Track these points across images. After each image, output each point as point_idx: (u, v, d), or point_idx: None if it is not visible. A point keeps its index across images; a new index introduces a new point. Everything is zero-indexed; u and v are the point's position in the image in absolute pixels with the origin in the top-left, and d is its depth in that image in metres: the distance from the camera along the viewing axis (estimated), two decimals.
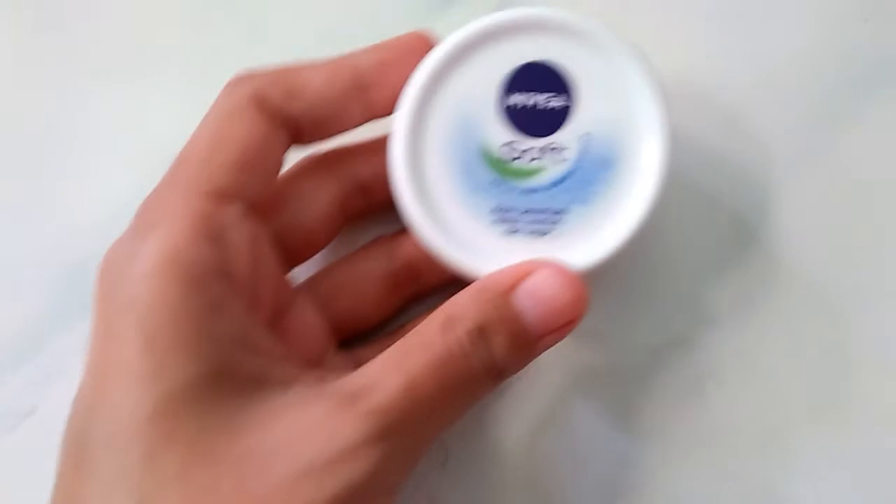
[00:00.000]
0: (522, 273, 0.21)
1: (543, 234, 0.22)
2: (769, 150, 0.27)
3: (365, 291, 0.24)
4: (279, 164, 0.22)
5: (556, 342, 0.21)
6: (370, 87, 0.22)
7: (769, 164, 0.27)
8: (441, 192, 0.22)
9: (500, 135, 0.22)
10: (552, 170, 0.22)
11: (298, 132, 0.22)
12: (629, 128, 0.22)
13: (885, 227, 0.27)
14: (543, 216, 0.22)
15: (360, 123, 0.23)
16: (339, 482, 0.17)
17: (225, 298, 0.19)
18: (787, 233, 0.27)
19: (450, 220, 0.22)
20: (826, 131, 0.27)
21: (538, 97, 0.22)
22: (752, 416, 0.26)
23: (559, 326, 0.21)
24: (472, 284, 0.21)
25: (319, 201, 0.23)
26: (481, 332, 0.20)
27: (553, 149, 0.22)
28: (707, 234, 0.27)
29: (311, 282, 0.25)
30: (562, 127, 0.22)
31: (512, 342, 0.20)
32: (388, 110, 0.22)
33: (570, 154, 0.22)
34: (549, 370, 0.26)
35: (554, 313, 0.21)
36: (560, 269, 0.21)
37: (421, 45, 0.22)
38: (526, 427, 0.26)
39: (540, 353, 0.21)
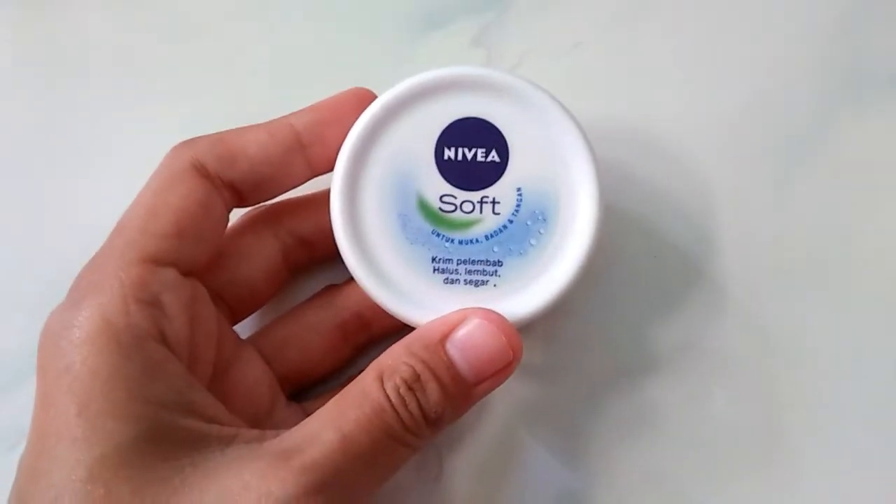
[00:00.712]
0: (455, 322, 0.21)
1: (480, 284, 0.23)
2: (717, 190, 0.27)
3: (313, 342, 0.25)
4: (221, 225, 0.23)
5: (494, 388, 0.22)
6: (308, 147, 0.23)
7: (717, 204, 0.27)
8: (380, 244, 0.23)
9: (436, 187, 0.23)
10: (488, 222, 0.23)
11: (239, 195, 0.23)
12: (562, 181, 0.23)
13: (832, 268, 0.27)
14: (480, 267, 0.23)
15: (303, 182, 0.24)
16: None
17: (159, 362, 0.19)
18: (734, 272, 0.27)
19: (390, 271, 0.23)
20: (774, 171, 0.28)
21: (473, 151, 0.23)
22: (695, 454, 0.26)
23: (493, 373, 0.21)
24: (405, 337, 0.21)
25: (261, 256, 0.24)
26: (414, 383, 0.20)
27: (488, 202, 0.23)
28: (654, 271, 0.27)
29: (259, 335, 0.25)
30: (497, 181, 0.23)
31: (445, 391, 0.21)
32: (329, 167, 0.23)
33: (506, 207, 0.23)
34: (494, 404, 0.26)
35: (487, 361, 0.21)
36: (492, 317, 0.22)
37: (359, 102, 0.23)
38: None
39: (479, 399, 0.22)
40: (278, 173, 0.23)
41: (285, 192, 0.24)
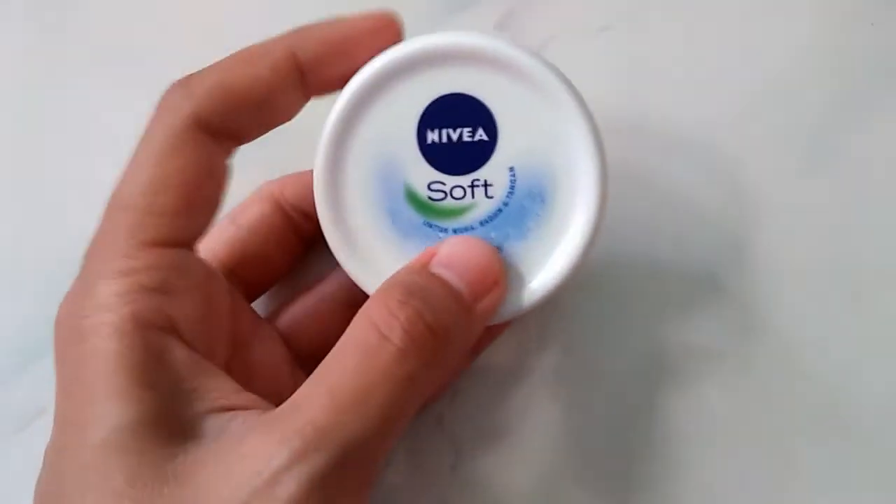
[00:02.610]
0: (431, 252, 0.20)
1: None
2: (744, 195, 0.26)
3: (328, 316, 0.24)
4: (224, 184, 0.21)
5: (493, 310, 0.20)
6: (307, 76, 0.21)
7: (743, 209, 0.26)
8: (372, 243, 0.21)
9: (423, 175, 0.21)
10: (482, 207, 0.21)
11: (237, 138, 0.21)
12: (558, 156, 0.20)
13: (863, 277, 0.26)
14: None
15: (297, 112, 0.22)
16: None
17: (163, 350, 0.19)
18: (759, 281, 0.26)
19: (387, 270, 0.21)
20: (799, 165, 0.26)
21: (458, 132, 0.21)
22: (712, 469, 0.25)
23: (488, 287, 0.20)
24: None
25: (269, 228, 0.24)
26: (408, 297, 0.19)
27: (480, 185, 0.21)
28: (676, 279, 0.26)
29: (274, 313, 0.25)
30: (487, 161, 0.21)
31: (444, 304, 0.19)
32: (323, 93, 0.21)
33: (499, 189, 0.21)
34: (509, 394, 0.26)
35: (477, 272, 0.20)
36: (466, 237, 0.21)
37: (375, 36, 0.21)
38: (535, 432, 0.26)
39: (482, 326, 0.20)
40: (277, 111, 0.21)
41: (279, 125, 0.22)
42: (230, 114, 0.20)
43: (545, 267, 0.21)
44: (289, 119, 0.22)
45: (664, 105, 0.26)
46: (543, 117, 0.20)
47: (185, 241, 0.20)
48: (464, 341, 0.20)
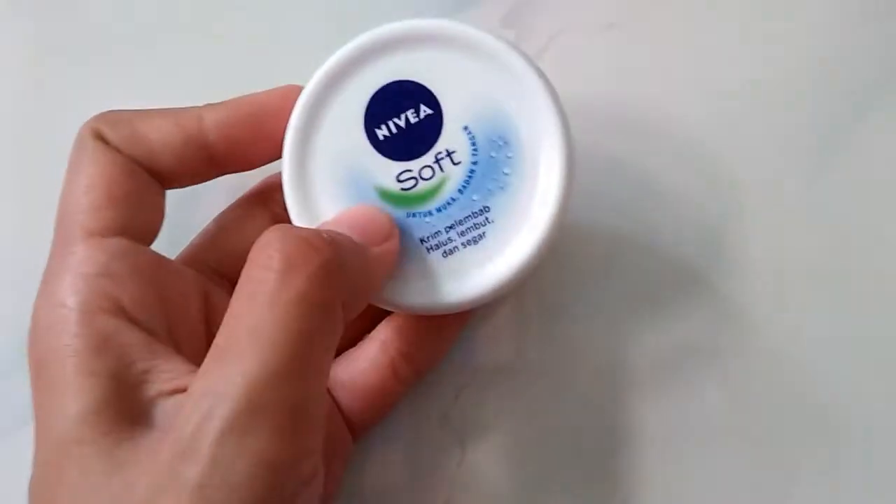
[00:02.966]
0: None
1: (480, 238, 0.21)
2: (746, 194, 0.26)
3: None
4: (153, 188, 0.22)
5: (391, 258, 0.20)
6: (213, 146, 0.22)
7: (744, 209, 0.26)
8: None
9: (388, 170, 0.21)
10: (454, 176, 0.21)
11: (154, 175, 0.22)
12: (505, 95, 0.21)
13: (861, 277, 0.25)
14: (470, 222, 0.21)
15: (211, 178, 0.23)
16: (183, 486, 0.16)
17: (109, 334, 0.19)
18: (758, 281, 0.25)
19: None
20: (804, 167, 0.26)
21: (402, 117, 0.21)
22: (711, 467, 0.25)
23: (376, 236, 0.20)
24: None
25: (254, 227, 0.23)
26: (287, 233, 0.18)
27: (444, 156, 0.21)
28: (677, 279, 0.25)
29: None
30: (440, 132, 0.21)
31: (329, 234, 0.19)
32: (237, 169, 0.22)
33: (462, 153, 0.21)
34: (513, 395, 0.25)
35: (362, 224, 0.20)
36: (355, 206, 0.21)
37: (282, 102, 0.22)
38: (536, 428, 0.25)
39: (381, 269, 0.20)
40: (179, 166, 0.22)
41: (194, 184, 0.23)
42: (127, 143, 0.21)
43: (536, 204, 0.21)
44: (195, 181, 0.23)
45: (667, 103, 0.26)
46: (476, 69, 0.21)
47: (119, 230, 0.21)
48: (359, 268, 0.19)
